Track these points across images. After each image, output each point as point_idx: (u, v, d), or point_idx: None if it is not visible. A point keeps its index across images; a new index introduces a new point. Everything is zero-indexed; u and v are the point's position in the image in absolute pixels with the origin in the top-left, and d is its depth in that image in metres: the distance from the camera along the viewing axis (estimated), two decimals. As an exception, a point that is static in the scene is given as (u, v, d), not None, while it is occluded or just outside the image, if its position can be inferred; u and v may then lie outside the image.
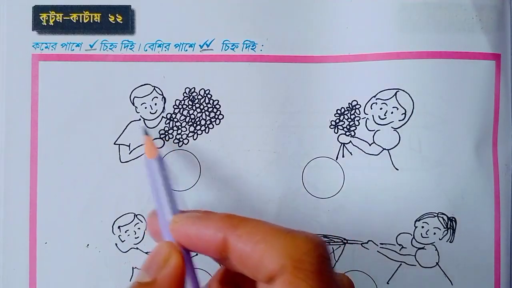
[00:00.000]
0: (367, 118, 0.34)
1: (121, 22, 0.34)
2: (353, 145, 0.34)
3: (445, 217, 0.34)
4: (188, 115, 0.34)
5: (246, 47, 0.34)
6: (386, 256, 0.34)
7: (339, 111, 0.34)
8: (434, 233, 0.34)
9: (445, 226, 0.34)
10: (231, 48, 0.34)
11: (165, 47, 0.34)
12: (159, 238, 0.28)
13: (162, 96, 0.34)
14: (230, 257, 0.24)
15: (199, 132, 0.34)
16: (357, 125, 0.34)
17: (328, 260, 0.24)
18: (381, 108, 0.34)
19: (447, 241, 0.34)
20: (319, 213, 0.34)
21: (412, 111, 0.34)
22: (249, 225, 0.24)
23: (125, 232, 0.34)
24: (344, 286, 0.26)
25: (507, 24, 0.34)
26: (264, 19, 0.34)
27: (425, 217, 0.34)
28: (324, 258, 0.23)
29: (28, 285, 0.33)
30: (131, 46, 0.34)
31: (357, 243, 0.34)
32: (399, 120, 0.34)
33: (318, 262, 0.23)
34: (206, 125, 0.34)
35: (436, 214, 0.34)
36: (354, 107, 0.34)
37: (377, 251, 0.34)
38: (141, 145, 0.34)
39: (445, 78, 0.34)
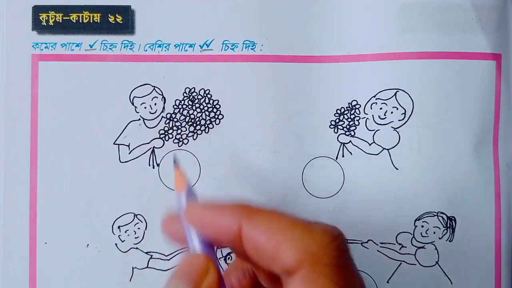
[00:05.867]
0: (367, 118, 0.34)
1: (121, 22, 0.34)
2: (353, 145, 0.34)
3: (444, 217, 0.34)
4: (188, 115, 0.34)
5: (246, 47, 0.34)
6: (386, 256, 0.34)
7: (339, 111, 0.34)
8: (434, 232, 0.34)
9: (444, 225, 0.34)
10: (231, 48, 0.34)
11: (165, 47, 0.34)
12: (177, 238, 0.28)
13: (162, 96, 0.34)
14: (245, 247, 0.24)
15: (199, 132, 0.34)
16: (357, 125, 0.34)
17: (346, 252, 0.23)
18: (381, 108, 0.34)
19: (446, 240, 0.34)
20: (319, 213, 0.34)
21: (412, 111, 0.34)
22: (265, 215, 0.24)
23: (125, 232, 0.34)
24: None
25: (509, 24, 0.34)
26: (264, 19, 0.34)
27: (424, 216, 0.34)
28: (342, 251, 0.23)
29: (28, 285, 0.33)
30: (131, 46, 0.34)
31: (357, 243, 0.34)
32: (399, 120, 0.34)
33: (337, 255, 0.22)
34: (206, 125, 0.34)
35: (435, 214, 0.34)
36: (354, 107, 0.34)
37: (377, 251, 0.34)
38: (141, 145, 0.34)
39: (445, 78, 0.34)
